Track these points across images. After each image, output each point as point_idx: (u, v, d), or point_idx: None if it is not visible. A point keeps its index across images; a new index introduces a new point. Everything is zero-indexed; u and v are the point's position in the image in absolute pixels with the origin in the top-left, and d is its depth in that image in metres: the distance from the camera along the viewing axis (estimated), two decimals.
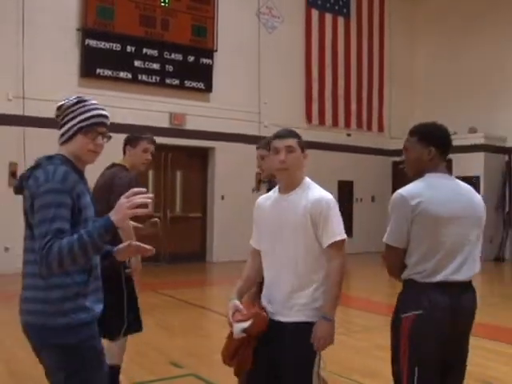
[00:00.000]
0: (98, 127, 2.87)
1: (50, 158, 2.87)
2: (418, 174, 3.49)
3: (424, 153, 3.49)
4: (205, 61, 14.60)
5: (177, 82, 14.20)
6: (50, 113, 12.03)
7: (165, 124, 14.06)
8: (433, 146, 3.49)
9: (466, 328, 3.45)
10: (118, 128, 13.60)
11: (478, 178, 16.40)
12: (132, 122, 13.37)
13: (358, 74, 17.98)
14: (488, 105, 16.99)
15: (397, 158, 18.69)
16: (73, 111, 2.94)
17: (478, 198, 3.65)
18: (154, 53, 13.83)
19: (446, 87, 18.13)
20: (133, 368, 5.80)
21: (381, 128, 18.68)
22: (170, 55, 14.09)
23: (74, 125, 2.87)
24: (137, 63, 13.60)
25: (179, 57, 14.22)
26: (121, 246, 2.98)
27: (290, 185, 3.57)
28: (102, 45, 13.11)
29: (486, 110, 17.00)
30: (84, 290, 2.73)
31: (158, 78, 13.91)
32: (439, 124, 3.69)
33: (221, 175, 14.94)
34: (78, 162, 2.87)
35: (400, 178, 18.53)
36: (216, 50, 14.69)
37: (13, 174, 12.07)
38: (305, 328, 3.34)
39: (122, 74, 13.39)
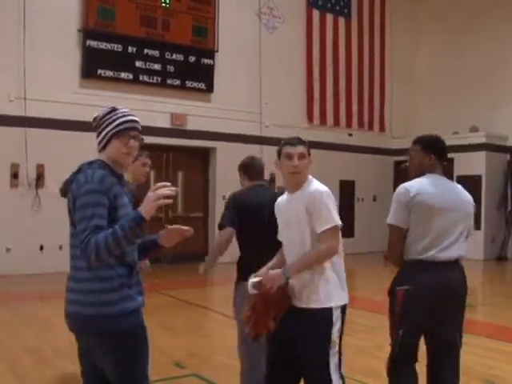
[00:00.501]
0: (129, 131, 3.11)
1: (90, 164, 3.17)
2: (419, 176, 4.34)
3: (426, 159, 4.34)
4: (206, 61, 14.60)
5: (178, 82, 14.20)
6: (52, 113, 12.13)
7: (166, 124, 14.06)
8: (433, 153, 4.34)
9: (457, 297, 4.13)
10: None
11: (479, 176, 16.40)
12: None
13: (359, 74, 17.98)
14: (490, 104, 16.99)
15: (398, 158, 18.71)
16: (106, 120, 3.15)
17: (467, 196, 4.29)
18: (155, 53, 13.83)
19: (447, 86, 18.12)
20: None
21: (382, 128, 18.67)
22: (171, 56, 14.09)
23: (108, 132, 3.12)
24: (138, 64, 13.60)
25: (180, 57, 14.22)
26: (162, 232, 3.20)
27: (297, 185, 4.00)
28: (103, 45, 13.12)
29: (488, 108, 16.99)
30: (128, 281, 2.97)
31: (159, 79, 13.91)
32: (438, 136, 4.58)
33: (222, 175, 14.92)
34: (115, 165, 3.12)
35: (402, 178, 18.51)
36: (217, 51, 14.69)
37: (14, 175, 12.09)
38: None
39: (123, 75, 13.39)
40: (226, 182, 14.96)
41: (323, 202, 3.86)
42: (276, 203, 4.18)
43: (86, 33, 12.92)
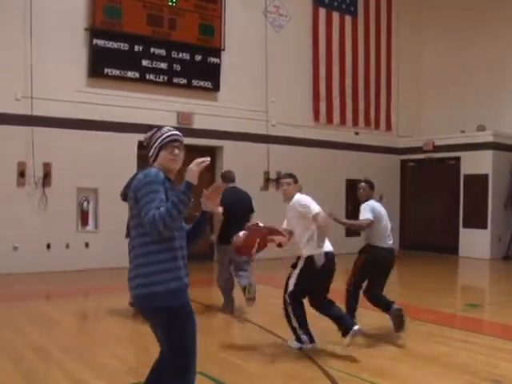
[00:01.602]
0: (172, 143, 3.77)
1: (144, 168, 3.80)
2: (367, 200, 7.79)
3: (371, 192, 7.98)
4: (212, 60, 14.59)
5: (184, 81, 14.19)
6: (58, 112, 12.15)
7: (172, 123, 14.04)
8: (372, 189, 8.10)
9: (393, 263, 7.70)
10: (126, 127, 13.74)
11: (486, 176, 16.36)
12: (140, 121, 13.40)
13: (365, 73, 17.94)
14: (497, 102, 16.94)
15: (405, 157, 18.70)
16: (154, 137, 3.82)
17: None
18: (162, 52, 13.83)
19: (453, 85, 18.08)
20: (140, 366, 5.81)
21: (389, 126, 18.63)
22: (178, 54, 14.08)
23: (157, 146, 3.78)
24: (144, 62, 13.60)
25: (187, 56, 14.21)
26: (202, 200, 3.85)
27: (289, 199, 6.98)
28: (110, 44, 13.12)
29: (495, 107, 16.95)
30: (176, 264, 3.66)
31: (165, 78, 13.91)
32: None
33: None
34: (166, 171, 3.73)
35: (408, 177, 18.55)
36: (223, 49, 14.68)
37: (21, 173, 12.11)
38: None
39: (130, 74, 13.39)
40: None
41: (301, 203, 6.89)
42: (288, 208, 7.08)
43: (93, 32, 12.93)
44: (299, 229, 6.72)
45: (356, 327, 6.32)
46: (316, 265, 6.42)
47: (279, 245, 6.53)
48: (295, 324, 6.57)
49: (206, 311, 8.87)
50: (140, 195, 3.55)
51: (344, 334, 6.36)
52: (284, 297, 6.70)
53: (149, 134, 3.88)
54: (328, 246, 6.65)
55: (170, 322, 3.64)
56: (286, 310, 6.65)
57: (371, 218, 7.34)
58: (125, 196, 4.14)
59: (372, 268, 7.59)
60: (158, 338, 3.79)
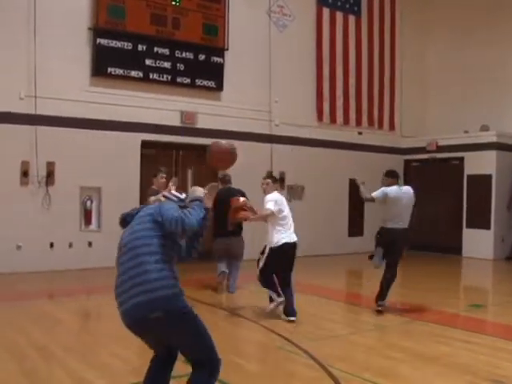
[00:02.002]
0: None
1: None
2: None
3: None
4: (216, 59, 14.60)
5: (188, 80, 14.20)
6: (62, 111, 12.18)
7: (176, 122, 14.08)
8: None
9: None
10: (130, 127, 13.75)
11: (489, 176, 16.34)
12: (143, 120, 13.43)
13: (369, 72, 17.93)
14: (501, 102, 16.92)
15: (408, 157, 18.69)
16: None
17: None
18: (165, 51, 13.83)
19: (457, 85, 18.06)
20: (144, 366, 5.81)
21: (392, 126, 18.62)
22: (181, 54, 14.09)
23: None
24: (148, 62, 13.61)
25: (190, 55, 14.22)
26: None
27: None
28: (114, 44, 13.13)
29: (499, 107, 16.93)
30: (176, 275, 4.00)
31: (169, 77, 13.91)
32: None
33: (232, 173, 14.90)
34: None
35: (411, 177, 18.53)
36: (227, 49, 14.68)
37: (25, 172, 12.13)
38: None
39: (134, 73, 13.40)
40: (235, 180, 14.97)
41: (265, 201, 8.42)
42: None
43: (97, 31, 12.94)
44: (266, 222, 8.44)
45: (291, 318, 8.00)
46: (276, 253, 8.13)
47: (245, 218, 8.76)
48: (267, 289, 8.23)
49: (208, 311, 8.88)
50: (163, 212, 4.02)
51: (285, 314, 8.10)
52: (257, 272, 8.30)
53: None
54: (287, 238, 8.22)
55: (193, 321, 3.97)
56: (260, 281, 8.27)
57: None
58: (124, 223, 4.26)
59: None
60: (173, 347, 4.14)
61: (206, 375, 4.05)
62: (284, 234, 8.26)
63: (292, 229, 8.47)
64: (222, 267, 10.18)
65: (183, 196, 4.43)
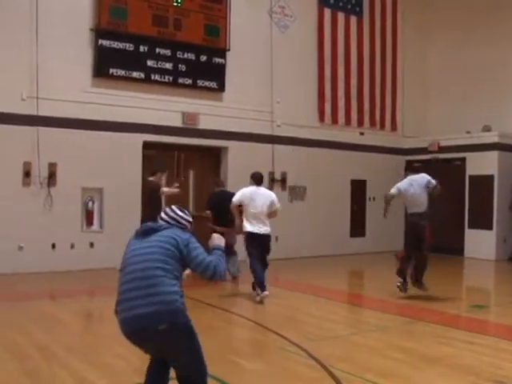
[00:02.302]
0: None
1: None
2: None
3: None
4: (217, 60, 14.60)
5: (189, 81, 14.20)
6: (64, 112, 12.21)
7: (178, 123, 14.08)
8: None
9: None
10: (132, 127, 13.77)
11: (491, 176, 16.32)
12: (145, 121, 13.44)
13: (370, 73, 17.92)
14: (502, 103, 16.90)
15: (410, 157, 18.67)
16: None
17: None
18: (167, 52, 13.83)
19: (459, 85, 18.04)
20: (145, 366, 5.82)
21: (394, 127, 18.61)
22: (183, 55, 14.09)
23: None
24: (150, 63, 13.61)
25: (192, 56, 14.22)
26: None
27: None
28: (115, 45, 13.13)
29: (501, 108, 16.91)
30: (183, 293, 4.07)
31: (170, 78, 13.92)
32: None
33: (233, 174, 14.93)
34: None
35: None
36: (229, 50, 14.68)
37: (27, 173, 12.14)
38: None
39: (135, 74, 13.40)
40: (237, 180, 14.98)
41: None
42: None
43: (98, 32, 12.94)
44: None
45: (264, 293, 9.33)
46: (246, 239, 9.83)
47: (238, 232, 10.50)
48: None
49: (208, 311, 8.89)
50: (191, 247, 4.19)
51: (261, 290, 9.41)
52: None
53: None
54: (250, 227, 9.66)
55: (193, 338, 4.13)
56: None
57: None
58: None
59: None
60: (170, 360, 4.20)
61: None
62: (253, 225, 9.71)
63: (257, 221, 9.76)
64: (232, 270, 11.67)
65: (191, 219, 4.47)
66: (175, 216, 4.37)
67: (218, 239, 4.51)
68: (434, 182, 10.65)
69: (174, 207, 4.46)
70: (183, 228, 4.35)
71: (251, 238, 9.65)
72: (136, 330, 3.89)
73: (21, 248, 11.99)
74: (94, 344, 6.88)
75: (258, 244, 9.67)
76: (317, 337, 7.20)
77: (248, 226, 9.65)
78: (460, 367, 6.02)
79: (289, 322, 8.17)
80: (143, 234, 4.21)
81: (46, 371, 5.68)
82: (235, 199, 9.92)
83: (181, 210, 4.43)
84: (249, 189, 9.98)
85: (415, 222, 10.33)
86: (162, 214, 4.40)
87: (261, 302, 9.25)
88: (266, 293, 9.33)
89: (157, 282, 3.89)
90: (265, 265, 9.83)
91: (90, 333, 7.72)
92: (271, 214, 9.86)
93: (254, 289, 9.72)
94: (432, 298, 10.25)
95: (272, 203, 9.85)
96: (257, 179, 10.25)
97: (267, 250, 9.87)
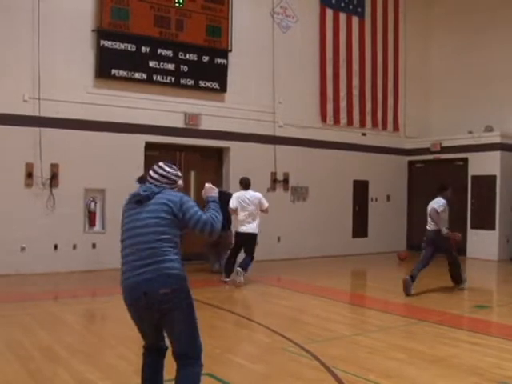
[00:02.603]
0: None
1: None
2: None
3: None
4: (219, 61, 14.60)
5: (191, 82, 14.20)
6: (66, 113, 12.24)
7: (180, 124, 14.09)
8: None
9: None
10: (134, 128, 13.77)
11: (494, 177, 16.31)
12: (147, 122, 13.44)
13: (372, 74, 17.91)
14: (505, 103, 16.88)
15: (412, 158, 18.68)
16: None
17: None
18: (169, 53, 13.84)
19: (461, 86, 18.04)
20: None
21: (396, 127, 18.60)
22: (185, 55, 14.09)
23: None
24: (151, 64, 13.61)
25: (194, 57, 14.22)
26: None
27: None
28: (117, 45, 13.14)
29: (503, 108, 16.89)
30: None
31: (172, 79, 13.92)
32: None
33: (235, 175, 14.91)
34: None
35: (415, 178, 18.51)
36: (230, 50, 14.68)
37: (29, 174, 12.15)
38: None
39: (137, 75, 13.41)
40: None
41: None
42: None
43: (100, 33, 12.95)
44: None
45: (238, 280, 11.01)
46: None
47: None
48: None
49: (210, 312, 8.88)
50: (185, 207, 4.21)
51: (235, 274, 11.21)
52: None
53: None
54: (238, 228, 11.37)
55: (192, 310, 4.20)
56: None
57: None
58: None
59: None
60: (169, 330, 4.16)
61: (193, 373, 4.17)
62: (239, 224, 11.35)
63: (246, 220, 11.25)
64: (216, 265, 12.91)
65: (180, 173, 4.55)
66: (164, 173, 4.38)
67: (210, 189, 4.61)
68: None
69: (161, 164, 4.46)
70: (172, 184, 4.40)
71: (237, 235, 11.46)
72: (139, 296, 3.99)
73: (23, 249, 12.00)
74: (96, 345, 6.89)
75: (242, 239, 11.37)
76: (319, 337, 7.20)
77: (238, 226, 11.40)
78: (463, 368, 6.01)
79: (291, 323, 8.17)
80: (138, 203, 4.22)
81: (48, 372, 5.68)
82: (232, 205, 11.30)
83: (168, 166, 4.44)
84: (239, 193, 11.47)
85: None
86: (151, 173, 4.40)
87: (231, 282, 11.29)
88: (228, 280, 11.47)
89: (159, 252, 4.04)
90: (249, 255, 11.43)
91: (93, 333, 7.72)
92: (263, 212, 11.45)
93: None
94: (435, 298, 10.24)
95: (260, 204, 11.33)
96: (244, 184, 11.56)
97: (250, 245, 11.38)
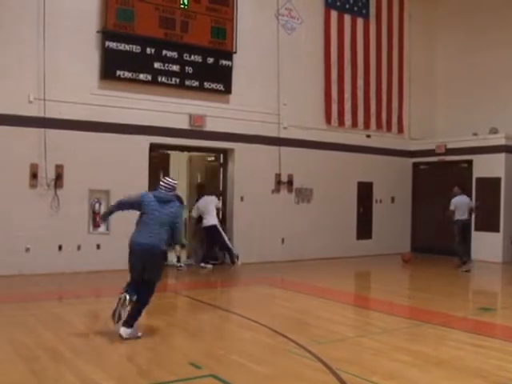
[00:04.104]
0: None
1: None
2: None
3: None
4: (224, 62, 14.60)
5: (196, 83, 14.20)
6: (71, 114, 12.28)
7: (184, 125, 14.10)
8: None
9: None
10: (138, 130, 13.80)
11: (499, 179, 16.28)
12: (152, 123, 13.46)
13: (377, 75, 17.90)
14: (509, 105, 16.86)
15: (417, 160, 18.66)
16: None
17: None
18: (174, 54, 13.85)
19: (466, 88, 18.03)
20: (152, 368, 5.83)
21: (400, 129, 18.59)
22: (190, 57, 14.10)
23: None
24: (156, 65, 13.63)
25: (199, 58, 14.22)
26: None
27: None
28: (122, 47, 13.15)
29: (508, 110, 16.87)
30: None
31: (177, 80, 13.93)
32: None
33: (240, 176, 14.95)
34: None
35: (420, 180, 18.49)
36: (235, 52, 14.69)
37: (34, 175, 12.18)
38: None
39: (142, 76, 13.42)
40: (244, 183, 15.01)
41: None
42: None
43: (105, 34, 12.97)
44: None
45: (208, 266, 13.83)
46: None
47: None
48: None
49: (214, 313, 8.89)
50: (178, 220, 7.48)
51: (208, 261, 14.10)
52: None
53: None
54: (206, 222, 14.10)
55: (163, 264, 7.67)
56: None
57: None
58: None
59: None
60: (147, 273, 7.11)
61: (149, 293, 7.18)
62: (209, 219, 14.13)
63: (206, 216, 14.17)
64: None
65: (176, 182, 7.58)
66: (172, 184, 7.36)
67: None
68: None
69: (167, 178, 7.48)
70: (174, 190, 7.43)
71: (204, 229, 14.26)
72: (145, 248, 7.03)
73: (27, 249, 12.03)
74: (100, 345, 6.89)
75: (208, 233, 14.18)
76: (323, 339, 7.20)
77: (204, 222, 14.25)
78: (467, 370, 6.00)
79: (295, 324, 8.17)
80: (162, 201, 7.22)
81: (53, 372, 5.69)
82: (195, 214, 14.62)
83: (172, 179, 7.46)
84: (201, 200, 14.46)
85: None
86: (162, 184, 7.34)
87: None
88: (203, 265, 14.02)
89: (161, 232, 7.15)
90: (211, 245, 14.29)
91: (97, 334, 7.72)
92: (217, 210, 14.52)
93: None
94: (439, 300, 10.23)
95: (216, 205, 14.40)
96: (200, 189, 15.01)
97: (214, 235, 14.09)
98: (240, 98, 14.82)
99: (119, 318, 7.01)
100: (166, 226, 7.11)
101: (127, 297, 6.97)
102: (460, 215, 15.05)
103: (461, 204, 15.09)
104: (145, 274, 7.06)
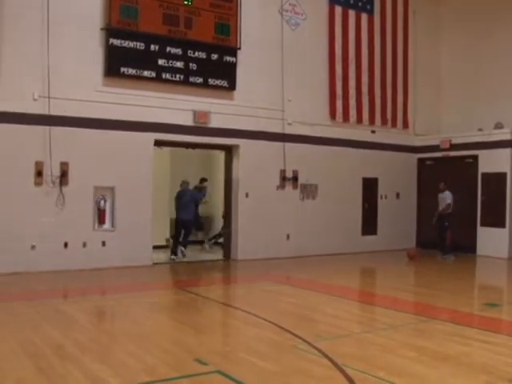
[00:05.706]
0: None
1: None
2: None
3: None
4: (228, 58, 14.59)
5: (200, 80, 14.20)
6: (75, 112, 12.29)
7: (189, 122, 14.09)
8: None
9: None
10: (143, 126, 13.79)
11: (504, 174, 16.23)
12: (156, 120, 13.45)
13: (382, 71, 17.86)
14: None
15: (422, 155, 18.62)
16: None
17: None
18: (178, 51, 13.84)
19: (471, 83, 17.97)
20: (158, 365, 5.83)
21: (405, 125, 18.54)
22: (194, 53, 14.09)
23: None
24: (160, 62, 13.62)
25: (203, 55, 14.22)
26: None
27: None
28: (126, 44, 13.15)
29: None
30: None
31: (181, 77, 13.92)
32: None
33: (245, 173, 14.94)
34: None
35: (425, 175, 18.45)
36: (239, 48, 14.67)
37: (39, 172, 12.19)
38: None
39: (146, 73, 13.42)
40: (248, 179, 15.00)
41: None
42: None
43: (109, 31, 12.96)
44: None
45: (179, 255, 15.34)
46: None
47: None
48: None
49: (220, 309, 8.89)
50: None
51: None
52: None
53: None
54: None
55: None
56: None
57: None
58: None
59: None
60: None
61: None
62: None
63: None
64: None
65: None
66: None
67: None
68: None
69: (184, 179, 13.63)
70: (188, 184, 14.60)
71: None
72: (183, 217, 14.37)
73: (33, 247, 12.05)
74: (106, 342, 6.90)
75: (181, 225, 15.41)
76: (329, 335, 7.19)
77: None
78: (474, 366, 5.98)
79: (301, 321, 8.16)
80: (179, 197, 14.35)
81: (59, 369, 5.69)
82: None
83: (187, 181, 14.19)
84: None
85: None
86: (183, 183, 14.66)
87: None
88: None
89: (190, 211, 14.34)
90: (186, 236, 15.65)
91: (103, 331, 7.74)
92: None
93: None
94: (445, 296, 10.21)
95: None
96: (184, 184, 15.44)
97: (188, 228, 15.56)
98: (244, 95, 14.80)
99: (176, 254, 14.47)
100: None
101: (183, 249, 14.83)
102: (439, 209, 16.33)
103: (440, 199, 16.32)
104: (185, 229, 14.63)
